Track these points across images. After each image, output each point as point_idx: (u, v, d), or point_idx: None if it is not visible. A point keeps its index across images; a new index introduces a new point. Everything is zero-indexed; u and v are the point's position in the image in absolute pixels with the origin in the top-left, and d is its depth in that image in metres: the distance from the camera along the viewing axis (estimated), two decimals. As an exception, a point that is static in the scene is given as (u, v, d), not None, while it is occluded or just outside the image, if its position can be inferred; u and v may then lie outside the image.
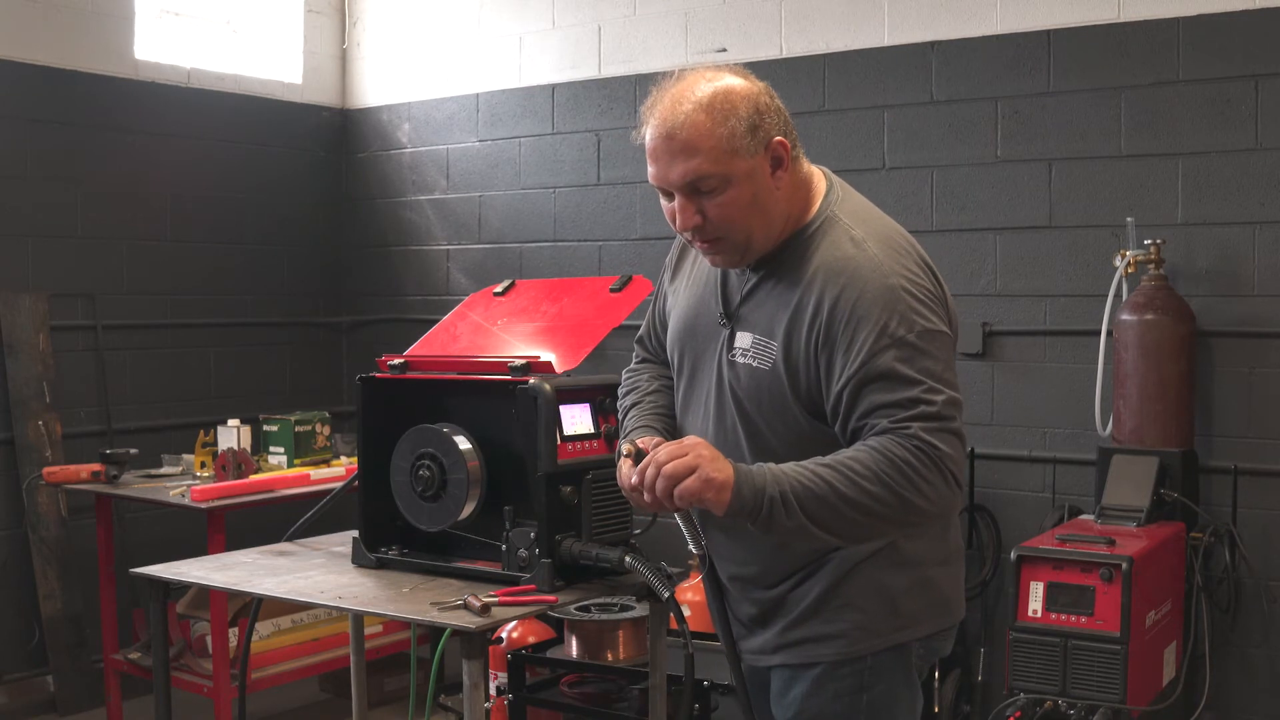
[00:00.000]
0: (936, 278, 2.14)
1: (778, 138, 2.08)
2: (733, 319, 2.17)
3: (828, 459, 1.98)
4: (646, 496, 2.01)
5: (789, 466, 1.98)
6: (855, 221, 2.13)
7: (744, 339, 2.13)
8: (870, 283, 2.03)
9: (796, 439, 2.09)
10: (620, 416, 2.43)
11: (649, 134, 2.09)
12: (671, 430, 2.31)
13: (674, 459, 1.97)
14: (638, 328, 2.54)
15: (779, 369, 2.08)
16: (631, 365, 2.50)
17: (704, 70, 2.11)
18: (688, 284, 2.32)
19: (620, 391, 2.47)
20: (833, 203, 2.16)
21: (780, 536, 2.02)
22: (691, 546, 2.16)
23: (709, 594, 2.25)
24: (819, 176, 2.20)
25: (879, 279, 2.04)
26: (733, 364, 2.15)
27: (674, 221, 2.12)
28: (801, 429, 2.10)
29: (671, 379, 2.39)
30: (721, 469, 1.96)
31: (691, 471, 1.95)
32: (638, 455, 2.07)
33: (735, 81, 2.09)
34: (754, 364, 2.12)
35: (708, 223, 2.08)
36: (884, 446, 1.95)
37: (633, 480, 2.03)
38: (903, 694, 2.19)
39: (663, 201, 2.14)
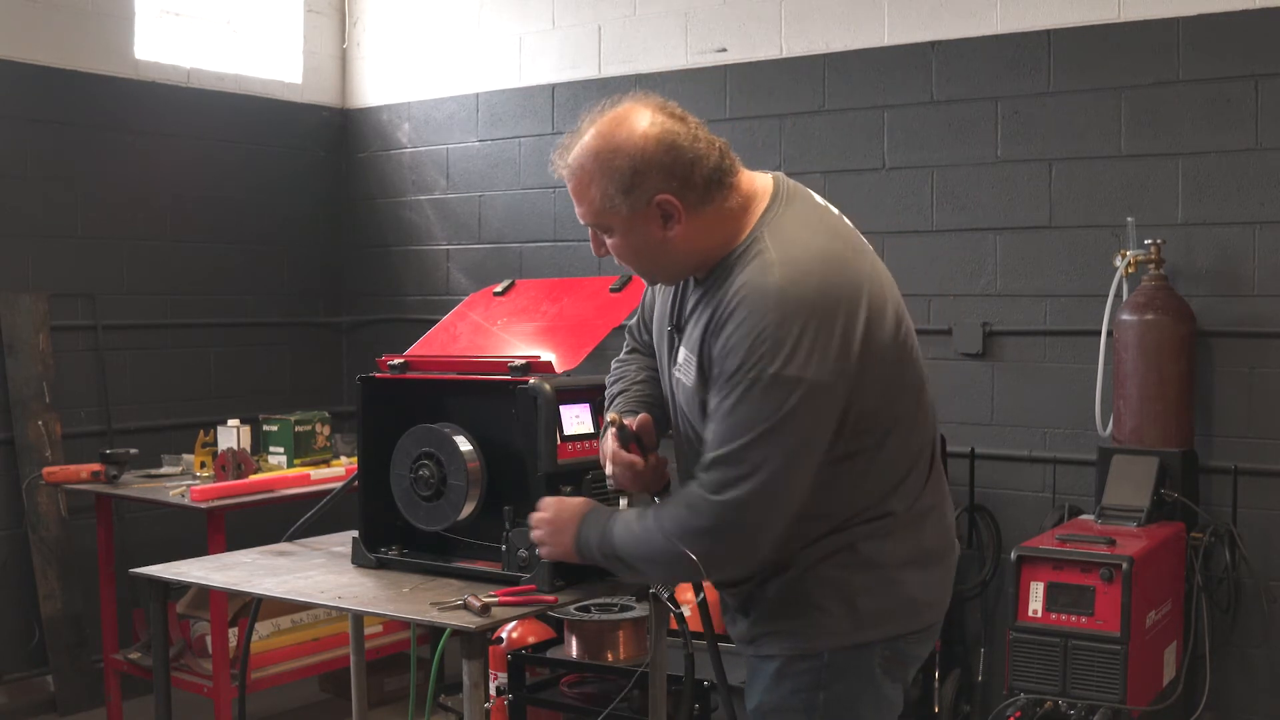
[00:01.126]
0: (856, 310, 2.03)
1: (661, 196, 2.07)
2: (678, 331, 2.21)
3: (647, 511, 2.15)
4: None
5: (615, 524, 2.18)
6: (777, 244, 2.07)
7: (683, 353, 2.17)
8: (754, 314, 1.99)
9: None
10: (606, 404, 2.46)
11: (558, 171, 2.19)
12: (661, 419, 2.35)
13: (538, 525, 2.32)
14: (637, 327, 2.55)
15: (698, 384, 2.12)
16: (620, 355, 2.54)
17: (617, 108, 2.13)
18: (661, 286, 2.36)
19: (608, 380, 2.50)
20: (766, 221, 2.11)
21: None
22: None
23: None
24: (761, 193, 2.16)
25: (761, 312, 1.99)
26: (675, 377, 2.21)
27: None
28: None
29: (656, 369, 2.44)
30: (560, 541, 2.27)
31: (542, 545, 2.33)
32: (621, 430, 2.16)
33: (629, 134, 2.08)
34: (684, 379, 2.16)
35: (613, 254, 2.19)
36: (681, 497, 2.07)
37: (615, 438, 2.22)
38: (865, 695, 2.17)
39: None
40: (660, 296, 2.34)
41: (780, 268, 2.02)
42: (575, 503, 2.31)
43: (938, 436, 2.24)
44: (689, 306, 2.17)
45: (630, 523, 2.16)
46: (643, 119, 2.09)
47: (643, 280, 2.30)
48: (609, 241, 2.16)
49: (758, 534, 2.02)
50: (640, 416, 2.28)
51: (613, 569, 2.24)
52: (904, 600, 2.17)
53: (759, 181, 2.17)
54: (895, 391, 2.10)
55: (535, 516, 2.33)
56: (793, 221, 2.11)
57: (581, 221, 2.17)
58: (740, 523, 2.01)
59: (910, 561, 2.16)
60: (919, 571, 2.18)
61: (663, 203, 2.08)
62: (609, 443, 2.24)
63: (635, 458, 2.26)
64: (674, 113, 2.12)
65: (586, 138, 2.12)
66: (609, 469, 2.28)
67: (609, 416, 2.23)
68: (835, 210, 2.22)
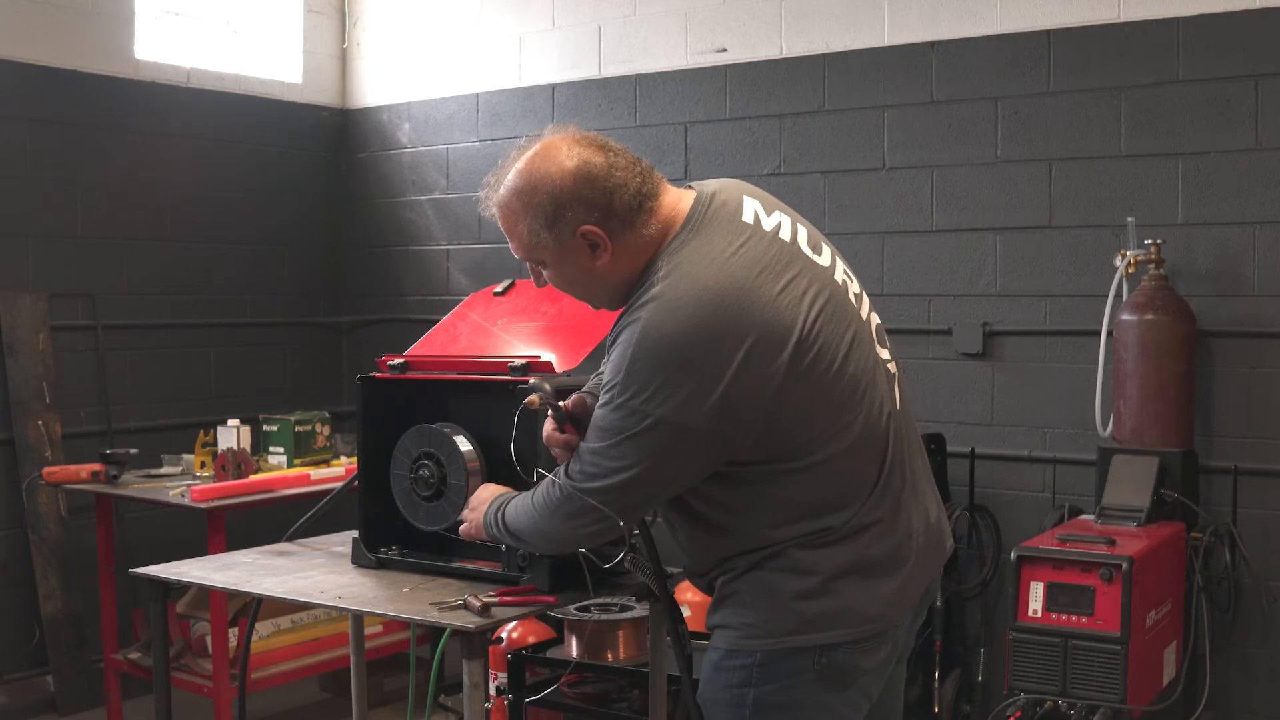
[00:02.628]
0: (725, 349, 2.04)
1: (585, 227, 2.13)
2: (607, 352, 2.25)
3: (530, 493, 2.34)
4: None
5: (510, 503, 2.39)
6: (667, 272, 2.11)
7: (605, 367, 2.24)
8: (625, 343, 2.09)
9: None
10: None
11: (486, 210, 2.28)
12: None
13: (468, 506, 2.56)
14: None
15: None
16: None
17: (536, 145, 2.19)
18: None
19: None
20: (670, 248, 2.14)
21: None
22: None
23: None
24: (677, 218, 2.18)
25: (632, 345, 2.08)
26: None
27: None
28: None
29: None
30: (474, 519, 2.50)
31: (462, 523, 2.55)
32: (555, 411, 2.31)
33: (547, 171, 2.14)
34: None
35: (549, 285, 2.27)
36: (551, 477, 2.23)
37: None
38: (800, 700, 2.16)
39: None
40: None
41: (654, 306, 2.07)
42: (493, 487, 2.54)
43: (899, 445, 2.20)
44: (612, 333, 2.22)
45: (518, 502, 2.36)
46: (560, 153, 2.15)
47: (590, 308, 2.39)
48: (545, 273, 2.24)
49: (608, 522, 2.17)
50: (574, 396, 2.34)
51: (509, 542, 2.45)
52: (840, 609, 2.14)
53: (682, 204, 2.19)
54: (801, 415, 2.08)
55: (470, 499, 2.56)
56: (692, 253, 2.12)
57: (516, 256, 2.25)
58: (592, 510, 2.16)
59: (848, 571, 2.14)
60: (859, 581, 2.15)
61: (587, 233, 2.14)
62: (548, 424, 2.33)
63: (569, 436, 2.29)
64: (593, 142, 2.17)
65: (509, 176, 2.19)
66: (551, 449, 2.36)
67: (529, 399, 2.36)
68: (772, 221, 2.19)
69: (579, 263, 2.17)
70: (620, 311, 2.19)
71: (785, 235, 2.18)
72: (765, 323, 2.05)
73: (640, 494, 2.15)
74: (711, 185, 2.26)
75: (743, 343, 2.03)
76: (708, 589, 2.28)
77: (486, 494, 2.53)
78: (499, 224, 2.24)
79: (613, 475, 2.12)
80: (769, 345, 2.05)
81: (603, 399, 2.12)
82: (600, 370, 2.48)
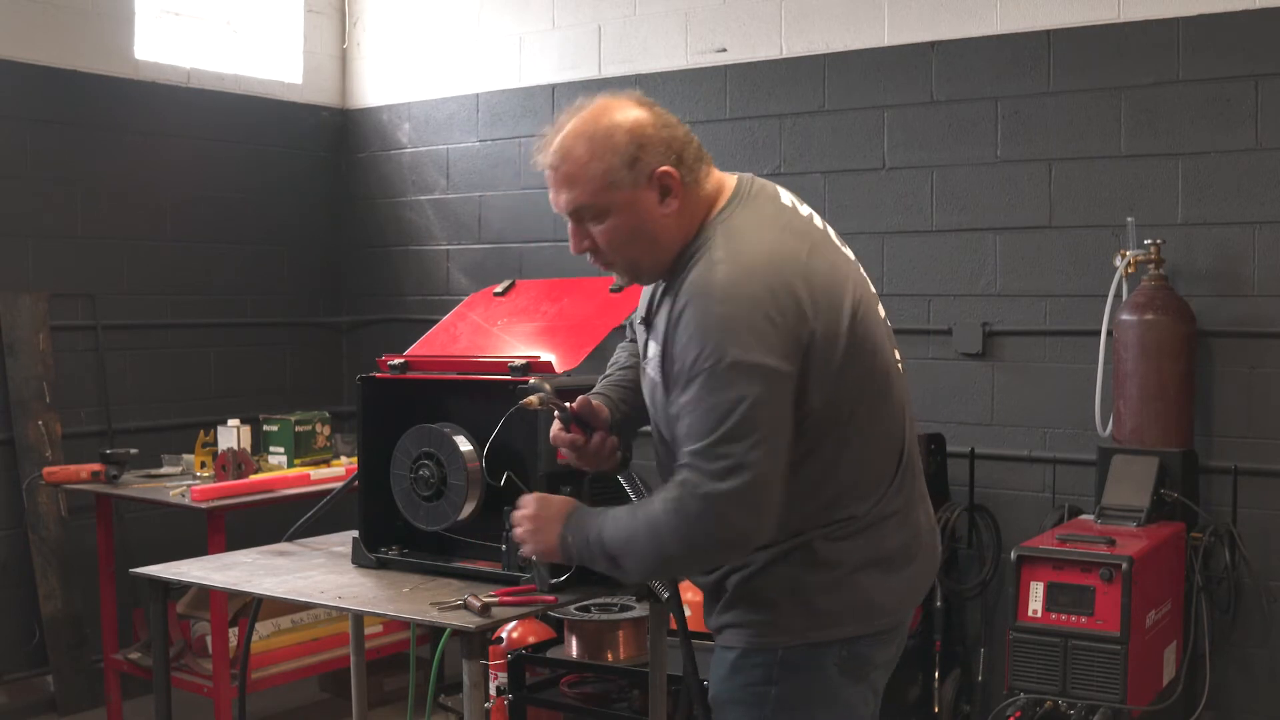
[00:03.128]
0: (802, 307, 2.04)
1: (662, 168, 2.11)
2: (648, 326, 2.22)
3: (630, 508, 2.14)
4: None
5: (605, 521, 2.14)
6: (726, 238, 2.11)
7: (652, 347, 2.18)
8: (700, 308, 2.03)
9: None
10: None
11: (539, 161, 2.18)
12: (629, 399, 2.39)
13: (519, 523, 2.26)
14: (637, 327, 2.56)
15: (663, 381, 2.13)
16: (621, 344, 2.59)
17: (597, 101, 2.17)
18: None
19: (609, 364, 2.54)
20: (721, 218, 2.15)
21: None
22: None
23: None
24: (726, 190, 2.20)
25: (708, 305, 2.03)
26: (645, 372, 2.22)
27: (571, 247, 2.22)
28: None
29: None
30: (544, 540, 2.22)
31: (524, 542, 2.26)
32: (561, 412, 2.25)
33: (621, 115, 2.13)
34: (652, 375, 2.17)
35: (596, 247, 2.17)
36: (667, 491, 2.05)
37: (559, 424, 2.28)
38: (819, 695, 2.17)
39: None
40: (644, 293, 2.36)
41: (724, 265, 2.06)
42: (559, 500, 2.28)
43: (911, 441, 2.23)
44: (657, 299, 2.19)
45: (619, 518, 2.13)
46: (631, 101, 2.16)
47: (620, 278, 2.29)
48: (600, 229, 2.13)
49: (747, 526, 2.02)
50: (580, 398, 2.31)
51: (598, 567, 2.19)
52: (861, 602, 2.16)
53: (726, 179, 2.21)
54: (852, 391, 2.09)
55: (516, 515, 2.28)
56: (745, 220, 2.14)
57: (567, 209, 2.14)
58: (727, 516, 2.00)
59: (869, 563, 2.16)
60: (879, 574, 2.17)
61: (664, 175, 2.11)
62: (555, 425, 2.29)
63: (575, 436, 2.29)
64: (652, 104, 2.19)
65: (577, 123, 2.14)
66: (560, 452, 2.33)
67: (526, 399, 2.31)
68: (805, 210, 2.23)
69: (648, 209, 2.12)
70: (652, 292, 2.22)
71: (819, 224, 2.24)
72: (826, 289, 2.08)
73: (768, 480, 2.00)
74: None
75: (808, 301, 2.05)
76: (714, 588, 2.23)
77: (551, 510, 2.25)
78: (556, 173, 2.13)
79: (742, 466, 1.97)
80: (832, 310, 2.07)
81: (694, 376, 2.01)
82: (609, 372, 2.48)
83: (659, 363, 2.12)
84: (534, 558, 2.35)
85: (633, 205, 2.11)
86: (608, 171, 2.09)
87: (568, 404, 2.30)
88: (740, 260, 2.06)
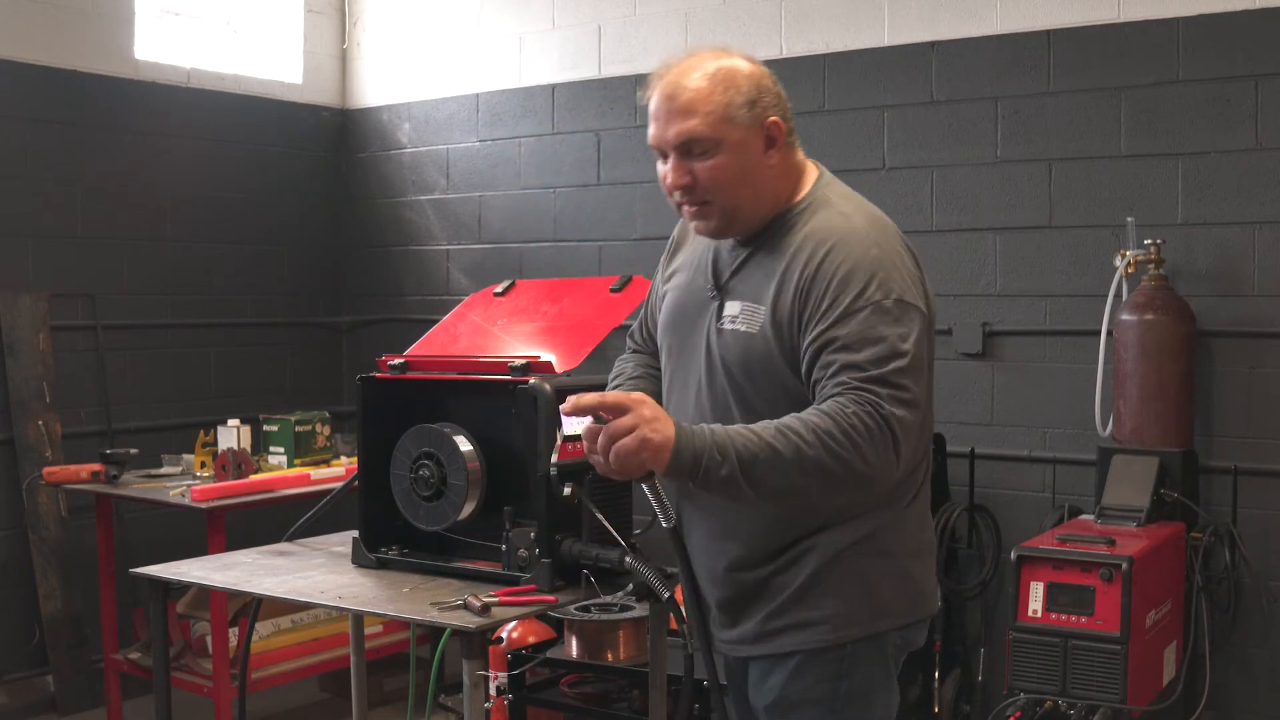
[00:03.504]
0: (918, 263, 2.20)
1: (773, 118, 2.18)
2: (722, 291, 2.24)
3: (776, 421, 2.01)
4: (586, 446, 2.05)
5: (735, 428, 2.01)
6: (842, 201, 2.23)
7: (733, 307, 2.20)
8: (855, 248, 2.11)
9: (785, 400, 2.13)
10: None
11: (653, 95, 2.20)
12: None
13: (618, 412, 1.99)
14: (638, 328, 2.56)
15: (766, 331, 2.14)
16: (623, 355, 2.58)
17: (713, 49, 2.22)
18: (681, 272, 2.39)
19: (610, 376, 2.53)
20: (822, 187, 2.25)
21: (720, 498, 2.05)
22: (661, 519, 2.16)
23: (681, 570, 2.23)
24: (812, 167, 2.29)
25: (863, 247, 2.12)
26: (721, 332, 2.22)
27: (665, 183, 2.22)
28: (789, 390, 2.14)
29: (656, 367, 2.47)
30: (660, 429, 1.97)
31: (630, 430, 1.97)
32: (597, 419, 2.06)
33: (740, 62, 2.20)
34: (742, 329, 2.18)
35: (697, 185, 2.17)
36: (837, 409, 1.99)
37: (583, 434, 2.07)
38: (879, 683, 2.22)
39: (658, 165, 2.23)
40: (676, 284, 2.37)
41: (858, 216, 2.18)
42: (662, 414, 2.02)
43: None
44: (736, 264, 2.23)
45: (756, 427, 2.00)
46: (740, 57, 2.21)
47: (712, 223, 2.20)
48: (706, 164, 2.15)
49: (900, 458, 2.02)
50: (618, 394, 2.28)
51: (713, 477, 1.97)
52: (914, 589, 2.24)
53: (809, 161, 2.31)
54: (932, 359, 2.17)
55: (626, 418, 1.97)
56: (848, 191, 2.27)
57: (677, 140, 2.15)
58: (897, 443, 2.00)
59: (916, 552, 2.24)
60: (920, 561, 2.26)
61: (773, 125, 2.17)
62: (589, 426, 2.18)
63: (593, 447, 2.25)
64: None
65: (695, 61, 2.18)
66: (594, 457, 2.17)
67: (565, 406, 2.14)
68: None
69: (755, 152, 2.17)
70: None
71: None
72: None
73: (925, 414, 2.07)
74: None
75: (921, 270, 2.18)
76: (756, 588, 2.19)
77: (662, 411, 2.01)
78: (672, 103, 2.15)
79: (911, 395, 2.01)
80: (923, 278, 2.20)
81: (856, 311, 2.03)
82: (618, 384, 2.45)
83: (763, 313, 2.14)
84: (637, 455, 1.98)
85: (743, 146, 2.15)
86: (728, 106, 2.14)
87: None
88: (869, 215, 2.20)
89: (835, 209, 2.19)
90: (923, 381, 2.07)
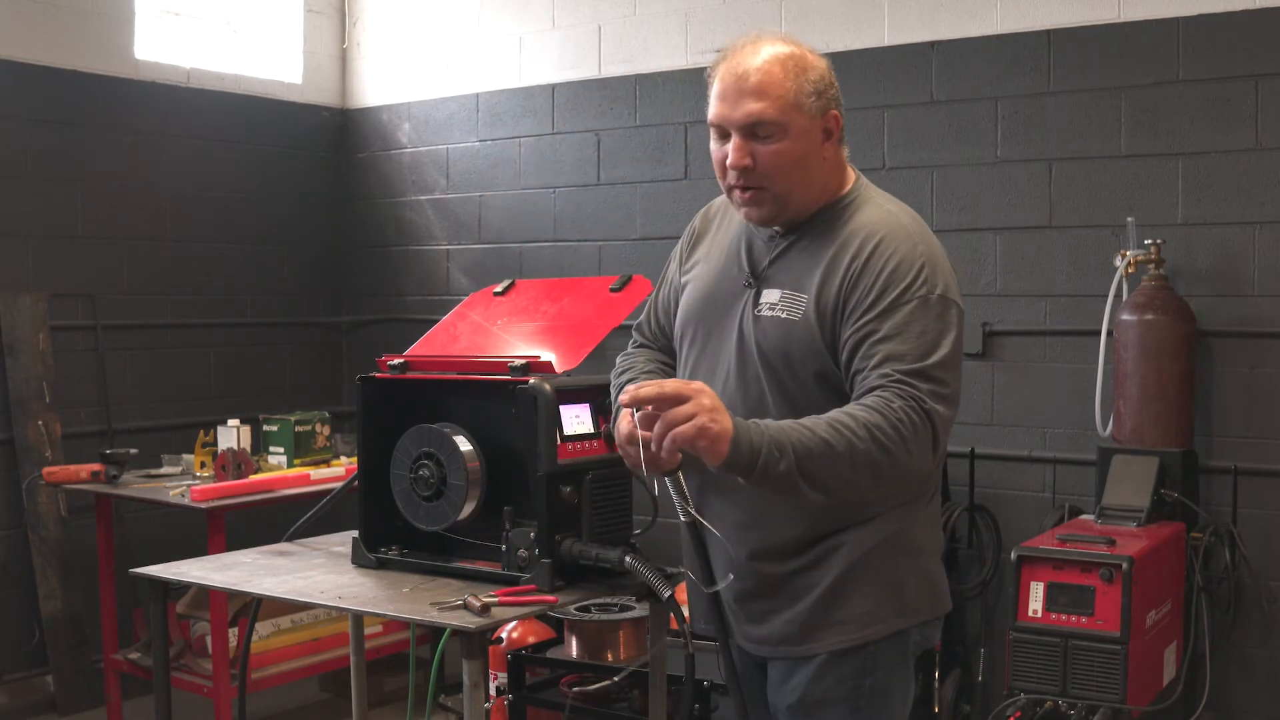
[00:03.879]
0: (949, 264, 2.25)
1: (835, 111, 2.22)
2: (759, 279, 2.25)
3: (823, 416, 2.02)
4: (641, 434, 1.99)
5: (786, 423, 2.01)
6: (885, 200, 2.27)
7: (771, 295, 2.21)
8: (904, 242, 2.14)
9: (819, 387, 2.15)
10: (614, 394, 2.45)
11: (721, 75, 2.23)
12: None
13: (676, 404, 1.96)
14: (638, 327, 2.55)
15: (809, 318, 2.16)
16: (626, 350, 2.55)
17: (780, 35, 2.26)
18: (704, 263, 2.39)
19: (614, 373, 2.50)
20: (864, 185, 2.29)
21: (771, 492, 2.03)
22: (680, 513, 2.14)
23: (695, 565, 2.21)
24: (852, 168, 2.33)
25: (911, 242, 2.15)
26: (758, 319, 2.21)
27: (720, 166, 2.22)
28: (826, 377, 2.15)
29: (667, 361, 2.46)
30: (719, 420, 1.95)
31: (690, 418, 1.94)
32: (636, 412, 2.03)
33: (813, 53, 2.25)
34: (782, 315, 2.18)
35: (756, 168, 2.18)
36: (883, 404, 2.01)
37: (635, 418, 2.01)
38: (899, 679, 2.24)
39: (714, 145, 2.25)
40: (702, 273, 2.36)
41: (904, 214, 2.22)
42: (719, 406, 2.00)
43: None
44: (776, 253, 2.24)
45: (806, 422, 1.99)
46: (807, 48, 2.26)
47: (762, 209, 2.20)
48: (769, 148, 2.16)
49: (938, 453, 2.06)
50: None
51: (770, 473, 1.96)
52: (934, 587, 2.27)
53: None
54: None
55: (687, 407, 1.93)
56: (884, 193, 2.30)
57: (745, 121, 2.16)
58: (939, 438, 2.05)
59: (935, 549, 2.28)
60: (937, 561, 2.29)
61: (833, 118, 2.22)
62: (624, 425, 2.09)
63: (647, 434, 2.22)
64: None
65: (771, 46, 2.20)
66: (625, 451, 2.13)
67: (624, 397, 2.06)
68: None
69: (815, 142, 2.20)
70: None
71: None
72: None
73: (956, 412, 2.12)
74: None
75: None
76: (779, 579, 2.18)
77: (723, 413, 1.96)
78: (745, 83, 2.16)
79: (951, 391, 2.07)
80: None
81: (902, 304, 2.08)
82: (633, 378, 2.41)
83: (805, 302, 2.15)
84: (694, 443, 1.95)
85: (807, 134, 2.18)
86: (798, 93, 2.16)
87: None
88: (911, 214, 2.23)
89: (880, 205, 2.23)
90: (959, 378, 2.11)
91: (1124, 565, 3.56)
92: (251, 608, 3.34)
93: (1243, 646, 4.21)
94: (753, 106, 2.16)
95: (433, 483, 2.70)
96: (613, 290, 2.95)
